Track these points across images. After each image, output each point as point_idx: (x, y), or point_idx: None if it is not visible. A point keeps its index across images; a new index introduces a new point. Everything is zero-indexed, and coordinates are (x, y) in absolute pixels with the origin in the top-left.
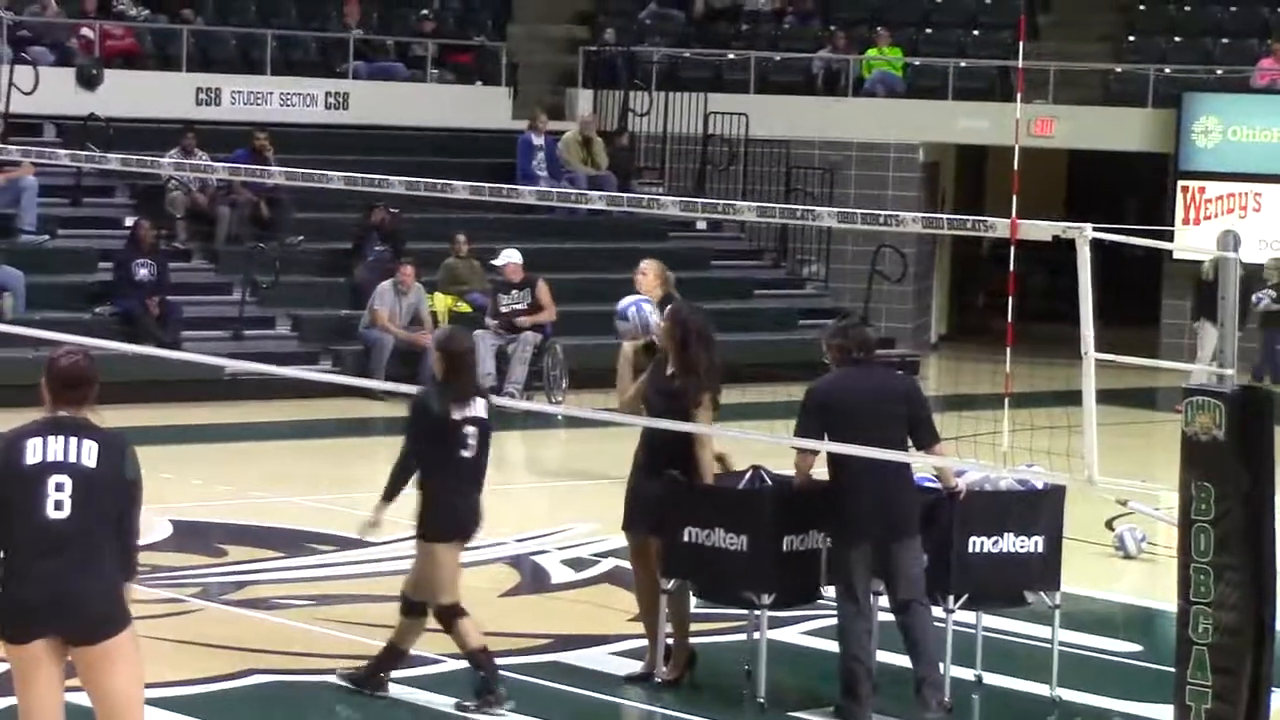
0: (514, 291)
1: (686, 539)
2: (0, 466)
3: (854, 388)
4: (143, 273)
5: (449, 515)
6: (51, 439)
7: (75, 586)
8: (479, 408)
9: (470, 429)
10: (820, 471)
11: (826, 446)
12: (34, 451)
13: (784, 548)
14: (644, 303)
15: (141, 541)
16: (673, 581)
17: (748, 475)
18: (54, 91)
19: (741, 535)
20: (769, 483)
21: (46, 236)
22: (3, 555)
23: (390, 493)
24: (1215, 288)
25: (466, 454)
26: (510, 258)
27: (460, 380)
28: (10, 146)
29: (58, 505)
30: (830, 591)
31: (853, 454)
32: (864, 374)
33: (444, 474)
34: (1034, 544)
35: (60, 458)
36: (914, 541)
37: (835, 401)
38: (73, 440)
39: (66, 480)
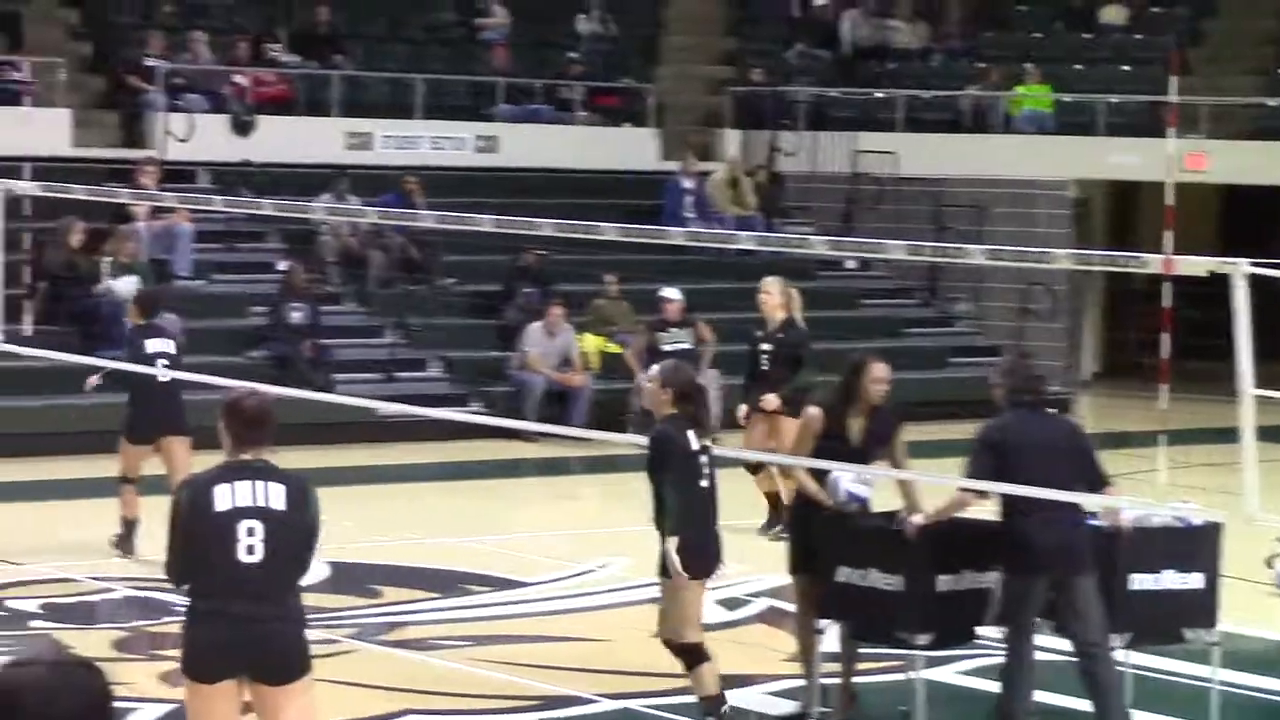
0: (673, 330)
1: (841, 579)
2: (189, 513)
3: (1026, 432)
4: (295, 316)
5: (700, 551)
6: (240, 484)
7: (271, 628)
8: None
9: (704, 458)
10: (973, 512)
11: (995, 488)
12: (224, 497)
13: (939, 587)
14: (857, 485)
15: (302, 582)
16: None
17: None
18: (208, 138)
19: (897, 575)
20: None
21: (201, 281)
22: (191, 599)
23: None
24: None
25: (705, 484)
26: (674, 295)
27: (696, 410)
28: (166, 193)
29: (250, 550)
30: (983, 632)
31: (1027, 495)
32: (1035, 419)
33: (689, 508)
34: (1193, 580)
35: (250, 502)
36: (1091, 580)
37: (1010, 446)
38: (260, 484)
39: (258, 525)
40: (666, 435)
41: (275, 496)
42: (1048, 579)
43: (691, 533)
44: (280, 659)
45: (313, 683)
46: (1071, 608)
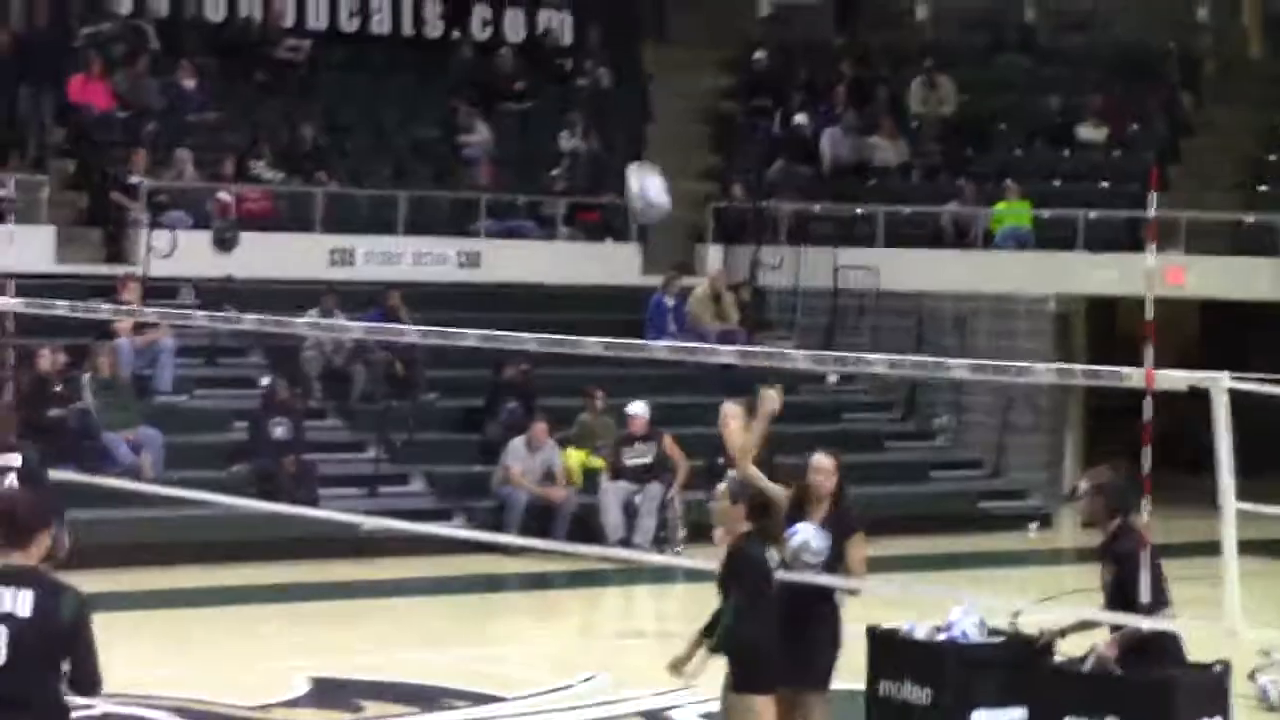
0: (637, 444)
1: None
2: None
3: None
4: (278, 431)
5: (767, 664)
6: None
7: None
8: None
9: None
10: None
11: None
12: None
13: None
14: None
15: (273, 699)
16: None
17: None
18: (191, 254)
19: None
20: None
21: (184, 396)
22: None
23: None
24: None
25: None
26: (640, 410)
27: (773, 521)
28: (148, 309)
29: None
30: None
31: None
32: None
33: (765, 619)
34: None
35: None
36: None
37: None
38: (11, 590)
39: (3, 630)
40: (748, 554)
41: (23, 602)
42: None
43: (761, 646)
44: None
45: None
46: None
